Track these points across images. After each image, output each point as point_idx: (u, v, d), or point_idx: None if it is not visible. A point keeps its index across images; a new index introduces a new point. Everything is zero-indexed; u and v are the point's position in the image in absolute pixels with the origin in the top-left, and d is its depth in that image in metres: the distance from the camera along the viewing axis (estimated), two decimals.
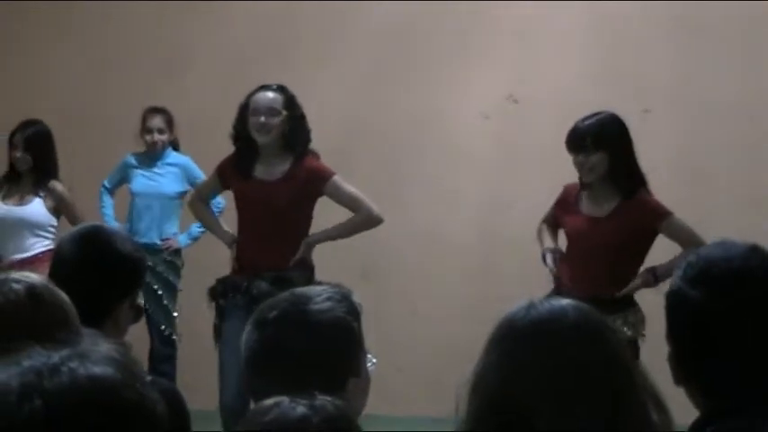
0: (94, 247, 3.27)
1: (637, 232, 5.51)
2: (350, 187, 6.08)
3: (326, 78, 8.35)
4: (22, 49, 8.71)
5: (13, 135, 7.04)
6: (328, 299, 2.39)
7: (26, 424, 1.25)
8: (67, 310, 2.46)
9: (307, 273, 5.99)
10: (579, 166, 5.59)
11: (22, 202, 6.95)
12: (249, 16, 8.49)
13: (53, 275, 3.26)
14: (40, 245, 6.91)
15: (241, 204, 6.06)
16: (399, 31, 8.34)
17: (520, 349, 1.96)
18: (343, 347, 2.36)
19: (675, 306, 2.25)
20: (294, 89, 8.30)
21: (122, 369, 1.31)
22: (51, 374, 1.27)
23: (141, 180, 7.44)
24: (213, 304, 5.97)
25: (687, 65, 7.97)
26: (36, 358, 1.29)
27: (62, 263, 3.27)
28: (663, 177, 7.82)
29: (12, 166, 7.04)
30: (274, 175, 5.97)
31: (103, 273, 3.21)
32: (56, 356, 1.30)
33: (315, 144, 7.91)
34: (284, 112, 5.95)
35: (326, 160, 8.02)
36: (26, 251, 6.90)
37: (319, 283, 2.50)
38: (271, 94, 5.98)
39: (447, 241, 8.13)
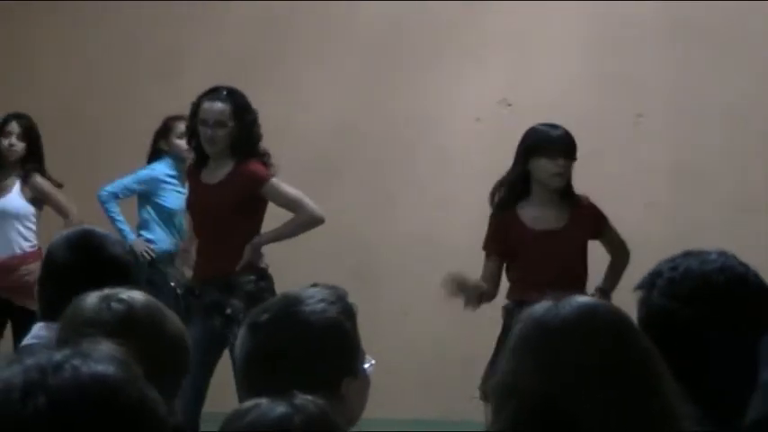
0: (86, 251, 3.27)
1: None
2: (289, 189, 6.00)
3: (318, 81, 8.35)
4: (13, 49, 8.70)
5: (5, 124, 6.94)
6: (321, 300, 2.39)
7: (30, 420, 1.26)
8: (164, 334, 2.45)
9: (255, 277, 5.94)
10: (561, 170, 5.56)
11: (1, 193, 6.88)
12: (241, 19, 8.48)
13: (45, 279, 3.26)
14: (23, 240, 6.87)
15: (189, 207, 6.09)
16: (392, 34, 8.34)
17: (554, 349, 1.94)
18: (337, 348, 2.35)
19: (662, 324, 2.24)
20: (286, 93, 8.34)
21: (124, 368, 1.33)
22: (55, 372, 1.29)
23: (178, 196, 7.16)
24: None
25: (680, 69, 7.97)
26: (39, 356, 1.31)
27: (54, 267, 3.27)
28: (656, 181, 7.84)
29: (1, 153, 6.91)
30: (216, 178, 5.94)
31: (96, 276, 3.20)
32: (59, 355, 1.31)
33: (307, 147, 7.95)
34: (231, 123, 5.88)
35: (319, 163, 8.04)
36: (9, 247, 6.86)
37: (315, 285, 2.50)
38: (219, 105, 5.84)
39: (439, 244, 8.12)
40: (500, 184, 5.73)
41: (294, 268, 8.07)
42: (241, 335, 2.39)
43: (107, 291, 2.51)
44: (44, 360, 1.30)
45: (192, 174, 6.05)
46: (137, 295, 2.53)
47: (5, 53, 8.70)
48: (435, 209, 8.16)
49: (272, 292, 5.74)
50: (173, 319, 2.51)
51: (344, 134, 8.29)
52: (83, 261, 3.23)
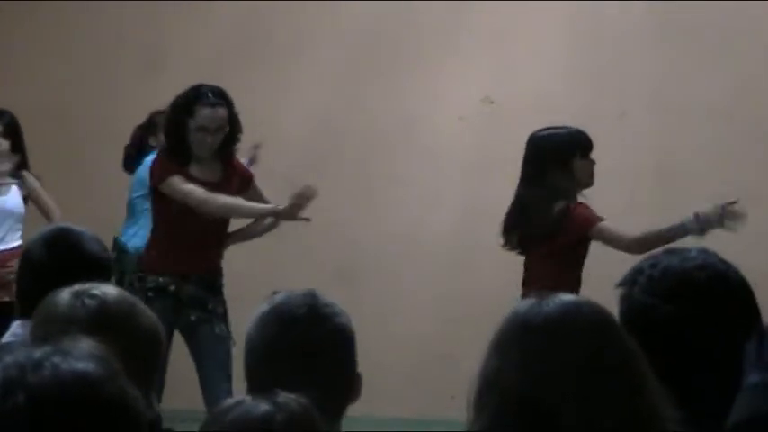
0: (63, 249, 3.26)
1: None
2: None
3: (302, 79, 8.34)
4: None
5: None
6: (334, 304, 2.51)
7: (9, 418, 1.25)
8: (137, 329, 2.43)
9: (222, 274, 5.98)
10: (592, 169, 5.56)
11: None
12: (225, 16, 8.47)
13: (22, 277, 3.24)
14: (15, 236, 6.84)
15: (172, 206, 5.85)
16: (374, 32, 8.33)
17: (537, 347, 1.94)
18: (353, 350, 2.52)
19: (643, 321, 2.24)
20: (269, 90, 8.33)
21: (104, 365, 1.32)
22: (34, 369, 1.28)
23: None
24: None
25: (664, 67, 7.98)
26: (18, 354, 1.30)
27: (31, 265, 3.26)
28: (639, 179, 7.84)
29: None
30: (212, 176, 5.89)
31: (73, 274, 3.19)
32: (38, 352, 1.31)
33: (291, 145, 7.93)
34: (227, 127, 5.85)
35: (302, 161, 8.03)
36: (4, 242, 6.83)
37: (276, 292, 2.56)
38: (221, 112, 5.76)
39: (423, 242, 8.12)
40: (548, 193, 5.55)
41: (278, 266, 8.09)
42: (265, 326, 2.42)
43: (78, 287, 2.50)
44: (23, 358, 1.29)
45: (177, 171, 5.90)
46: (109, 290, 2.51)
47: None
48: (419, 207, 8.16)
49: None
50: (147, 313, 2.50)
51: (328, 132, 8.28)
52: (59, 259, 3.23)
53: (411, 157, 8.22)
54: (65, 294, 2.50)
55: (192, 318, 5.80)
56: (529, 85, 8.06)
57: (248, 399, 1.93)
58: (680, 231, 5.43)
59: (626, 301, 2.30)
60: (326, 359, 2.41)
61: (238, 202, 5.88)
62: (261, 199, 6.00)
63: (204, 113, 5.76)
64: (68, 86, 8.53)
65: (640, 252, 5.27)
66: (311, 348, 2.40)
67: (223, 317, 5.88)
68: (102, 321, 2.40)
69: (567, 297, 2.02)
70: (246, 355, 2.45)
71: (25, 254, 3.36)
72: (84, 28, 8.62)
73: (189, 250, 5.81)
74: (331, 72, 8.37)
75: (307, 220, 5.72)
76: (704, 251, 2.36)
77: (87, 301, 2.47)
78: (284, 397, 1.93)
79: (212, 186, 5.83)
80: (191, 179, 5.80)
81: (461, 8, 8.21)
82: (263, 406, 1.90)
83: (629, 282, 2.33)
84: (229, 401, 1.96)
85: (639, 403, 1.92)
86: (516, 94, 8.06)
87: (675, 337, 2.25)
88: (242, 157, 6.23)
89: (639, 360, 1.97)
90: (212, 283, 5.88)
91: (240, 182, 5.95)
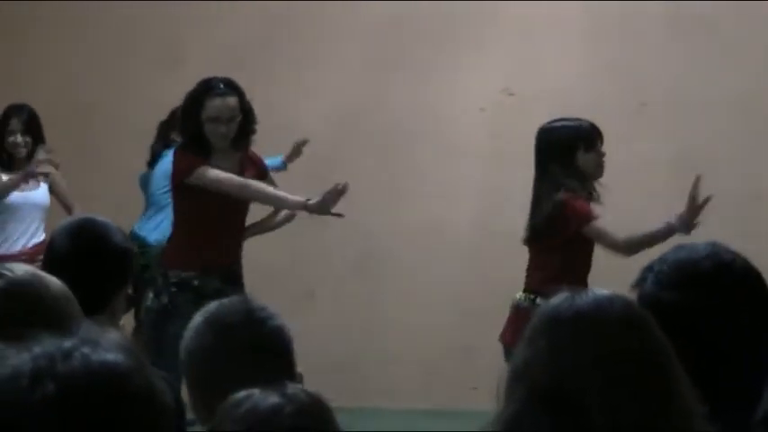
0: (89, 239, 3.29)
1: None
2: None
3: (321, 72, 8.35)
4: (15, 43, 8.69)
5: (7, 120, 6.90)
6: (268, 307, 2.54)
7: (38, 408, 1.26)
8: (53, 304, 2.45)
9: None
10: (600, 161, 5.54)
11: (31, 188, 6.84)
12: (245, 11, 8.48)
13: (47, 268, 3.27)
14: (41, 229, 6.88)
15: (199, 199, 5.83)
16: (394, 23, 8.33)
17: (566, 339, 1.95)
18: (291, 351, 2.52)
19: (655, 314, 2.26)
20: (289, 84, 8.34)
21: (132, 356, 1.34)
22: (64, 359, 1.29)
23: None
24: (153, 297, 5.85)
25: (684, 59, 7.97)
26: (48, 344, 1.31)
27: (57, 256, 3.29)
28: (658, 172, 7.84)
29: (4, 151, 6.85)
30: (231, 168, 5.89)
31: (99, 265, 3.23)
32: (68, 342, 1.32)
33: (312, 138, 7.93)
34: (239, 116, 5.87)
35: (321, 154, 8.04)
36: (35, 236, 6.87)
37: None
38: (231, 101, 5.76)
39: (442, 233, 8.13)
40: (562, 182, 5.52)
41: (298, 258, 8.11)
42: (203, 332, 2.45)
43: None
44: (53, 348, 1.31)
45: (202, 162, 5.90)
46: (16, 267, 2.53)
47: (5, 45, 8.69)
48: (439, 198, 8.17)
49: None
50: (54, 282, 2.51)
51: (347, 125, 8.29)
52: (85, 249, 3.25)
53: (431, 148, 8.23)
54: None
55: None
56: (549, 77, 8.06)
57: (257, 392, 1.95)
58: (666, 231, 5.44)
59: (639, 299, 2.31)
60: (265, 362, 2.40)
61: (272, 191, 5.89)
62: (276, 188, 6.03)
63: (214, 104, 5.77)
64: (87, 81, 8.55)
65: (628, 253, 5.29)
66: (248, 353, 2.41)
67: None
68: (9, 293, 2.41)
69: (599, 291, 2.03)
70: (186, 367, 2.47)
71: (50, 245, 3.39)
72: (103, 23, 8.63)
73: (211, 244, 5.82)
74: (351, 65, 8.38)
75: (340, 215, 5.72)
76: (712, 243, 2.38)
77: None
78: (293, 388, 1.95)
79: None
80: None
81: (482, 1, 8.21)
82: (272, 398, 1.92)
83: (641, 280, 2.35)
84: (239, 395, 1.97)
85: (670, 400, 1.93)
86: (536, 86, 8.06)
87: (687, 328, 2.26)
88: (265, 155, 6.22)
89: (671, 357, 1.97)
90: (235, 275, 5.90)
91: (257, 173, 5.97)
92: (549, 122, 5.64)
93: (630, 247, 5.28)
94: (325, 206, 5.66)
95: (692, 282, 2.29)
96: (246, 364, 2.37)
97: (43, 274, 2.56)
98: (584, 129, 5.56)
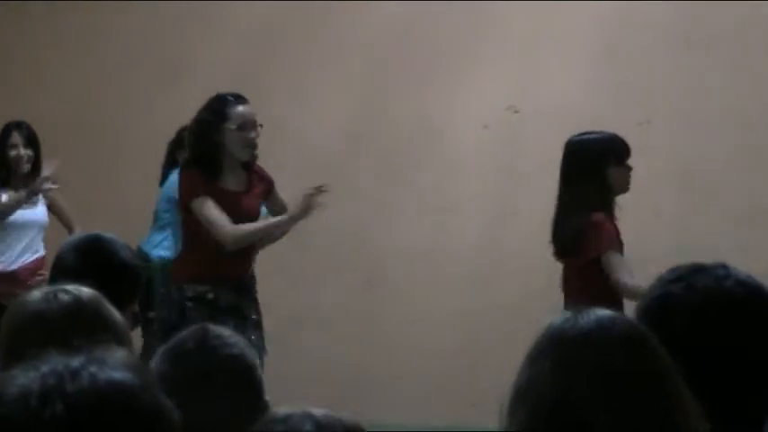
0: (96, 256, 3.30)
1: None
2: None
3: (324, 89, 8.36)
4: (18, 58, 8.71)
5: (8, 135, 6.83)
6: (226, 336, 2.54)
7: (47, 427, 1.27)
8: (111, 326, 2.48)
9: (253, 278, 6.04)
10: (628, 175, 5.42)
11: (29, 205, 6.80)
12: (246, 27, 8.49)
13: (54, 284, 3.28)
14: (41, 245, 6.89)
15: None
16: (398, 40, 8.34)
17: (569, 358, 1.96)
18: (253, 379, 2.52)
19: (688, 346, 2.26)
20: (293, 100, 8.35)
21: (140, 374, 1.34)
22: (72, 378, 1.30)
23: None
24: (167, 311, 5.88)
25: (688, 76, 7.97)
26: (56, 363, 1.32)
27: (64, 272, 3.29)
28: (663, 188, 7.84)
29: (6, 167, 6.81)
30: (241, 184, 5.94)
31: (107, 282, 3.23)
32: (76, 361, 1.32)
33: (315, 155, 7.95)
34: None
35: (326, 171, 8.04)
36: (36, 252, 6.87)
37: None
38: (251, 108, 5.87)
39: (447, 251, 8.13)
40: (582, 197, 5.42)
41: (301, 276, 8.11)
42: (160, 365, 2.47)
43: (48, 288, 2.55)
44: (61, 366, 1.31)
45: (207, 183, 5.90)
46: (83, 289, 2.56)
47: (8, 61, 8.70)
48: (443, 216, 8.17)
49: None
50: (114, 311, 2.55)
51: (351, 142, 8.30)
52: (92, 266, 3.26)
53: (435, 165, 8.23)
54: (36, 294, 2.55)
55: (229, 325, 5.82)
56: (553, 94, 8.06)
57: (298, 413, 1.96)
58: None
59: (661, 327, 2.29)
60: (221, 389, 2.40)
61: (260, 225, 5.92)
62: (281, 204, 6.04)
63: (240, 111, 5.79)
64: (89, 97, 8.56)
65: (627, 298, 5.15)
66: (203, 380, 2.42)
67: (257, 324, 5.91)
68: (76, 316, 2.44)
69: (602, 311, 2.05)
70: None
71: (57, 261, 3.39)
72: (105, 40, 8.64)
73: (223, 257, 5.84)
74: (355, 81, 8.39)
75: (322, 190, 5.75)
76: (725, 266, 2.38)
77: (61, 296, 2.51)
78: (328, 415, 1.96)
79: (240, 196, 5.88)
80: (221, 192, 5.83)
81: (486, 17, 8.22)
82: (309, 426, 1.93)
83: (662, 306, 2.33)
84: (279, 413, 1.98)
85: (674, 418, 1.93)
86: (540, 102, 8.06)
87: (695, 349, 2.26)
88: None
89: (674, 376, 1.99)
90: (248, 288, 5.91)
91: (264, 188, 6.00)
92: (578, 135, 5.50)
93: (629, 294, 5.14)
94: (305, 210, 5.72)
95: (731, 314, 2.29)
96: (198, 389, 2.37)
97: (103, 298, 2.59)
98: (615, 142, 5.42)
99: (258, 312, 5.93)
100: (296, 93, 8.37)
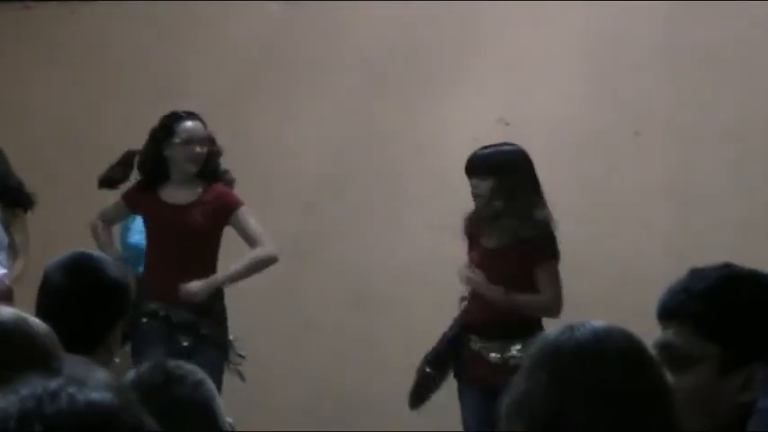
0: (86, 275, 3.27)
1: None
2: (254, 221, 6.10)
3: (315, 106, 8.36)
4: (14, 74, 8.71)
5: None
6: (185, 367, 2.57)
7: None
8: (39, 344, 2.45)
9: (220, 295, 6.05)
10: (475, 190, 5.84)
11: None
12: (242, 45, 8.50)
13: (42, 305, 3.26)
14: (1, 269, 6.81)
15: (152, 229, 6.08)
16: (388, 54, 8.35)
17: (565, 371, 1.97)
18: (212, 409, 2.53)
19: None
20: (286, 116, 8.35)
21: (120, 394, 1.33)
22: (51, 400, 1.29)
23: None
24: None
25: (678, 88, 7.98)
26: (35, 385, 1.31)
27: (52, 292, 3.27)
28: (653, 200, 7.84)
29: None
30: (186, 198, 6.01)
31: (96, 301, 3.21)
32: (54, 383, 1.31)
33: (304, 171, 7.93)
34: (208, 144, 6.06)
35: (316, 187, 8.04)
36: None
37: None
38: (200, 124, 6.09)
39: (440, 266, 8.11)
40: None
41: (293, 292, 8.10)
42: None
43: None
44: (39, 389, 1.30)
45: (139, 197, 6.10)
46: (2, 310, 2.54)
47: (5, 77, 8.70)
48: (434, 230, 8.15)
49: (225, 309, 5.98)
50: (38, 323, 2.52)
51: (342, 157, 8.30)
52: (80, 284, 3.24)
53: (425, 178, 8.23)
54: None
55: (185, 344, 5.83)
56: (544, 106, 8.07)
57: None
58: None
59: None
60: (186, 421, 2.41)
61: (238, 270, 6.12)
62: (246, 231, 6.07)
63: (186, 126, 6.00)
64: (84, 114, 8.56)
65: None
66: (166, 414, 2.45)
67: (219, 341, 5.92)
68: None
69: (599, 324, 2.04)
70: None
71: (45, 280, 3.37)
72: (101, 56, 8.65)
73: (174, 274, 5.88)
74: (345, 98, 8.39)
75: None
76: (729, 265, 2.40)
77: None
78: None
79: (179, 209, 5.95)
80: (157, 203, 6.00)
81: (475, 29, 8.23)
82: None
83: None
84: None
85: (670, 429, 1.94)
86: (531, 115, 8.07)
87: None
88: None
89: (668, 389, 1.98)
90: (204, 306, 5.91)
91: (219, 209, 6.02)
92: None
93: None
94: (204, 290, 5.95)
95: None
96: (162, 422, 2.39)
97: (26, 315, 2.55)
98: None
99: (221, 328, 5.95)
100: (287, 111, 8.37)
